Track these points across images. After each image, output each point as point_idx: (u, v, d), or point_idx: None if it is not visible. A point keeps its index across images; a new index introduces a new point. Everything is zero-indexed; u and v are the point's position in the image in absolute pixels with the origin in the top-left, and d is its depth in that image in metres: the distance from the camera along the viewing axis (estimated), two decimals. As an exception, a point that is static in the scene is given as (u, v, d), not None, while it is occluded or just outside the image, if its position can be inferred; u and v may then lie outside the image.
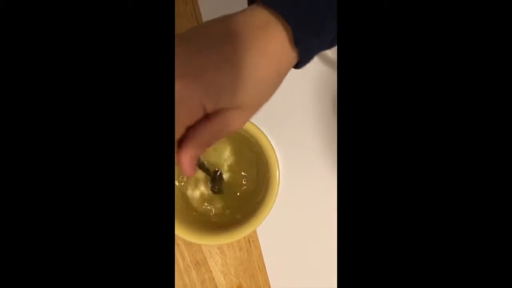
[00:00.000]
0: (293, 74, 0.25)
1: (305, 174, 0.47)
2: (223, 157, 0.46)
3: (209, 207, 0.46)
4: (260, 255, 0.46)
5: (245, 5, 0.25)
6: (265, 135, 0.41)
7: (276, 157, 0.41)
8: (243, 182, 0.46)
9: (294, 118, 0.47)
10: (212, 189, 0.45)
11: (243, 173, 0.46)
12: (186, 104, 0.20)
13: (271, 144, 0.41)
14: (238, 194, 0.46)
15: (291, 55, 0.23)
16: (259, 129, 0.41)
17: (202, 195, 0.46)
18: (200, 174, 0.46)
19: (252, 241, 0.46)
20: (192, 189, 0.46)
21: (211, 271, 0.46)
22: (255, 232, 0.46)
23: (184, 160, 0.22)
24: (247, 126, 0.41)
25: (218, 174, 0.45)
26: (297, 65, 0.24)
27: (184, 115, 0.21)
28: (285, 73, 0.24)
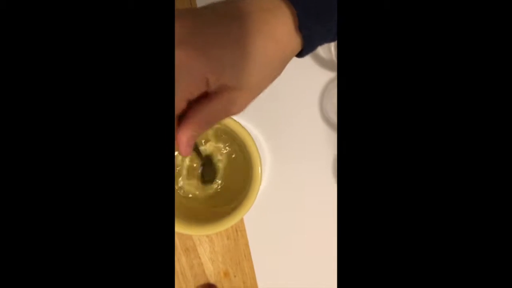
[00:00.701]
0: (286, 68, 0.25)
1: (292, 165, 0.48)
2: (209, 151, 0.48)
3: (196, 199, 0.48)
4: (247, 244, 0.49)
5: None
6: (247, 130, 0.42)
7: (259, 154, 0.42)
8: (229, 176, 0.48)
9: (282, 107, 0.47)
10: (202, 176, 0.47)
11: (230, 168, 0.48)
12: (188, 73, 0.20)
13: (253, 141, 0.42)
14: (223, 187, 0.48)
15: (296, 41, 0.23)
16: (240, 124, 0.42)
17: (191, 186, 0.48)
18: (190, 165, 0.48)
19: (240, 231, 0.48)
20: (181, 180, 0.48)
21: (199, 258, 0.49)
22: (242, 222, 0.48)
23: (183, 139, 0.22)
24: (229, 123, 0.42)
25: (205, 164, 0.47)
26: (300, 54, 0.24)
27: (185, 84, 0.20)
28: (289, 59, 0.24)
